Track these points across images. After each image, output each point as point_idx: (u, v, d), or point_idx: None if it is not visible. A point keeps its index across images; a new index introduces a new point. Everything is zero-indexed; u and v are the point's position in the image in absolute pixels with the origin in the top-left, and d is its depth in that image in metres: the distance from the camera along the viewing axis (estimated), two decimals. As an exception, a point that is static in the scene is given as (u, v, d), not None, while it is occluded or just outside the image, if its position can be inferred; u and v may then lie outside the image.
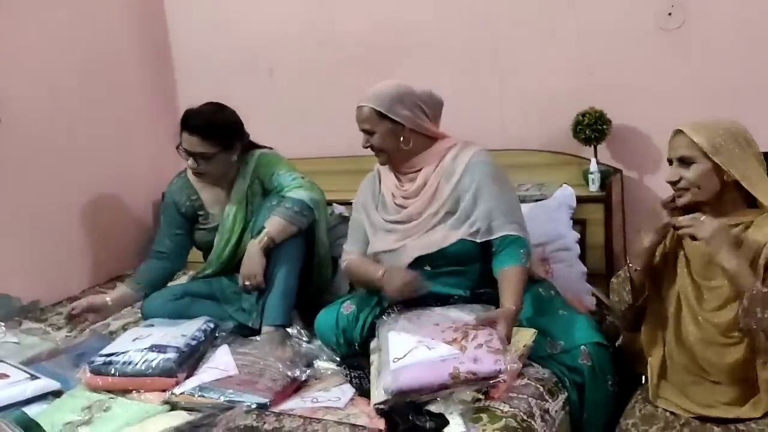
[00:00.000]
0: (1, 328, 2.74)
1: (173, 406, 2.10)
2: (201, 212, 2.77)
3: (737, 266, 1.83)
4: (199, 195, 2.76)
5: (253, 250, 2.49)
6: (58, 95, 3.29)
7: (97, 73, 3.47)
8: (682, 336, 2.04)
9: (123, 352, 2.27)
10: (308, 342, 2.38)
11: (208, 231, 2.77)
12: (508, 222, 2.27)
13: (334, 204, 3.19)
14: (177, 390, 2.11)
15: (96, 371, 2.24)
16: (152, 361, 2.21)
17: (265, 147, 2.82)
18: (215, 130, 2.58)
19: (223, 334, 2.43)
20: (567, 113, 2.90)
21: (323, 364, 2.25)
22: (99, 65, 3.48)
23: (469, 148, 2.38)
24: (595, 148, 2.86)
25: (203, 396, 2.08)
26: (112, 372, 2.21)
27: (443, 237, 2.30)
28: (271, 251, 2.52)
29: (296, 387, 2.16)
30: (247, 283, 2.49)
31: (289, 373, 2.16)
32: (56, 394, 2.24)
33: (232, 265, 2.71)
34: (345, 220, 3.10)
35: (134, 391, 2.19)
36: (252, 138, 2.79)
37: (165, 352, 2.23)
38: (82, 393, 2.21)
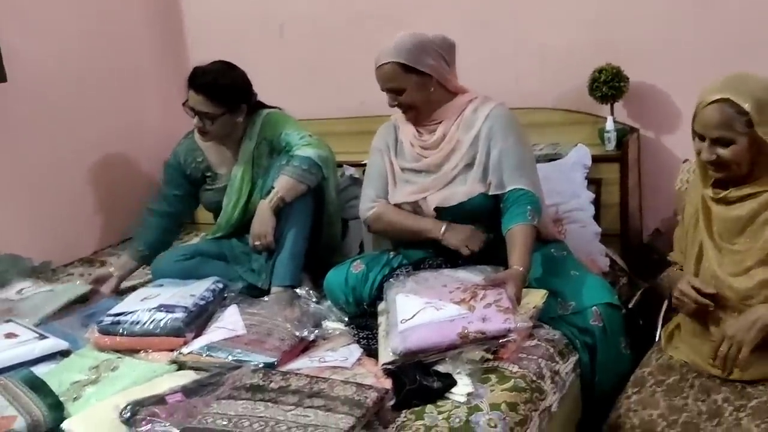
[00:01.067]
0: (27, 282, 2.77)
1: (181, 366, 2.09)
2: (208, 173, 2.74)
3: None
4: (205, 156, 2.73)
5: (264, 210, 2.46)
6: (66, 53, 3.26)
7: (106, 31, 3.44)
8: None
9: (131, 312, 2.26)
10: (317, 303, 2.36)
11: (215, 191, 2.74)
12: (518, 176, 2.22)
13: (345, 165, 3.15)
14: (185, 350, 2.11)
15: (104, 331, 2.24)
16: (160, 320, 2.20)
17: (273, 107, 2.77)
18: (222, 91, 2.54)
19: (232, 294, 2.41)
20: (583, 70, 2.82)
21: (331, 325, 2.23)
22: (107, 23, 3.45)
23: (490, 102, 2.33)
24: (612, 105, 2.78)
25: (211, 356, 2.07)
26: (120, 332, 2.21)
27: (464, 191, 2.26)
28: (280, 211, 2.49)
29: (304, 347, 2.15)
30: (257, 243, 2.47)
31: (297, 333, 2.14)
32: (64, 353, 2.24)
33: (241, 227, 2.68)
34: (356, 181, 3.07)
35: (142, 351, 2.18)
36: (261, 97, 2.75)
37: (173, 312, 2.22)
38: (90, 353, 2.20)
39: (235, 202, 2.68)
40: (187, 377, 2.01)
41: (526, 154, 2.30)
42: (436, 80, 2.28)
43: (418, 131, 2.38)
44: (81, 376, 2.05)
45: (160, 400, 1.81)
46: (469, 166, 2.28)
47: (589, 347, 2.14)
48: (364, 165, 3.06)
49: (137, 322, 2.22)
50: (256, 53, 3.48)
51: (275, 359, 2.02)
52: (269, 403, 1.70)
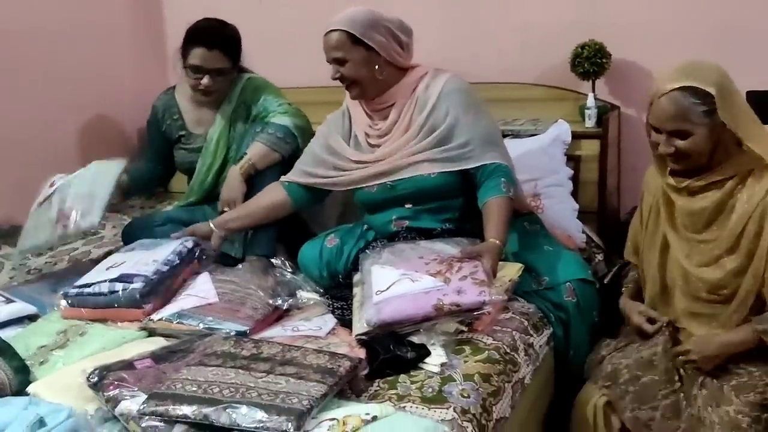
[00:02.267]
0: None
1: (151, 333, 2.06)
2: (183, 132, 2.70)
3: (742, 340, 1.85)
4: (181, 114, 2.69)
5: (234, 175, 2.43)
6: (39, 15, 3.15)
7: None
8: (667, 289, 2.00)
9: (94, 283, 2.19)
10: (292, 273, 2.33)
11: (188, 151, 2.70)
12: (485, 151, 2.18)
13: (323, 135, 3.11)
14: (155, 316, 2.07)
15: (70, 302, 2.18)
16: (118, 291, 2.14)
17: (246, 70, 2.72)
18: (234, 43, 2.54)
19: (204, 256, 2.35)
20: (565, 46, 2.80)
21: (306, 295, 2.21)
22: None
23: (441, 76, 2.27)
24: (593, 82, 2.77)
25: (182, 323, 2.03)
26: (83, 303, 2.16)
27: (416, 168, 2.22)
28: (253, 180, 2.46)
29: (278, 316, 2.12)
30: (226, 209, 2.43)
31: (271, 302, 2.11)
32: (32, 318, 2.20)
33: (215, 193, 2.64)
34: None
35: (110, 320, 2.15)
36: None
37: (131, 282, 2.14)
38: (58, 318, 2.16)
39: (209, 166, 2.65)
40: (157, 344, 1.96)
41: (490, 127, 2.26)
42: (384, 59, 2.22)
43: (370, 117, 2.34)
44: (48, 340, 2.01)
45: (128, 365, 1.76)
46: (423, 144, 2.22)
47: (563, 322, 2.14)
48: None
49: (99, 294, 2.16)
50: (234, 17, 3.39)
51: (247, 327, 1.99)
52: (240, 370, 1.67)
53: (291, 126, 2.49)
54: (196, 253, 2.34)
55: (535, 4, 2.94)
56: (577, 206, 2.67)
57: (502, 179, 2.14)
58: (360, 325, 1.91)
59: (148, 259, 2.23)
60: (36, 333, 2.07)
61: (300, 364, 1.69)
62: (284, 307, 2.13)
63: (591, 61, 2.71)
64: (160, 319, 2.06)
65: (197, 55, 2.49)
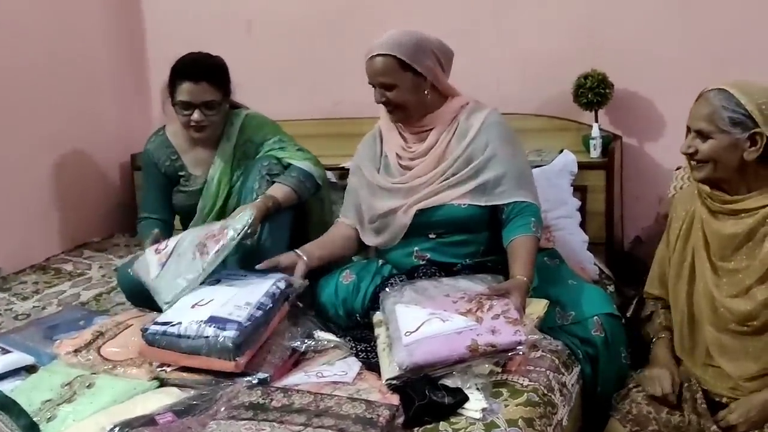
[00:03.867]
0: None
1: (162, 382, 1.94)
2: (182, 173, 2.59)
3: None
4: (179, 155, 2.58)
5: (254, 205, 2.30)
6: (18, 48, 3.03)
7: (61, 26, 3.22)
8: (695, 321, 1.97)
9: (179, 323, 1.94)
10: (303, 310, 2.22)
11: (189, 194, 2.58)
12: (519, 188, 2.16)
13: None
14: (168, 367, 1.94)
15: (150, 341, 1.97)
16: (210, 338, 1.88)
17: (242, 106, 2.64)
18: (222, 73, 2.46)
19: (297, 297, 2.14)
20: (565, 76, 2.80)
21: (324, 336, 2.10)
22: (63, 13, 3.23)
23: (484, 108, 2.26)
24: (596, 112, 2.75)
25: (196, 372, 1.92)
26: (166, 344, 1.94)
27: (446, 194, 2.17)
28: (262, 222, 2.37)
29: (295, 360, 2.02)
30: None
31: (288, 344, 2.01)
32: (30, 369, 2.05)
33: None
34: (333, 186, 2.96)
35: (117, 367, 2.01)
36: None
37: (224, 329, 1.87)
38: (60, 368, 2.01)
39: (210, 207, 2.54)
40: (172, 395, 1.86)
41: (525, 165, 2.24)
42: (431, 83, 2.19)
43: (404, 140, 2.28)
44: (53, 394, 1.88)
45: (149, 420, 1.66)
46: (458, 175, 2.19)
47: (590, 358, 2.08)
48: (341, 168, 2.98)
49: (186, 336, 1.91)
50: (222, 50, 3.27)
51: (268, 374, 1.89)
52: (275, 423, 1.58)
53: (316, 175, 2.46)
54: (288, 296, 2.10)
55: (535, 34, 2.93)
56: (587, 238, 2.63)
57: (532, 219, 2.11)
58: (390, 369, 1.82)
59: (240, 300, 1.99)
60: (38, 386, 1.93)
61: (337, 415, 1.61)
62: (302, 349, 2.02)
63: (594, 91, 2.70)
64: (172, 369, 1.94)
65: (185, 90, 2.40)
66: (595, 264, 2.60)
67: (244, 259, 2.36)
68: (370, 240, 2.30)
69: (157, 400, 1.82)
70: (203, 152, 2.55)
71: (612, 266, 2.72)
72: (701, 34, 2.73)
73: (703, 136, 1.81)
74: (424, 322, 1.86)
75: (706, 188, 1.89)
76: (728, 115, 1.77)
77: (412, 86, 2.16)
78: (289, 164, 2.46)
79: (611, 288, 2.59)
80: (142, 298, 2.45)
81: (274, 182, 2.41)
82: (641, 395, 1.94)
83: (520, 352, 1.82)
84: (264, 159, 2.47)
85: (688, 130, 1.87)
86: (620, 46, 2.82)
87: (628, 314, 2.24)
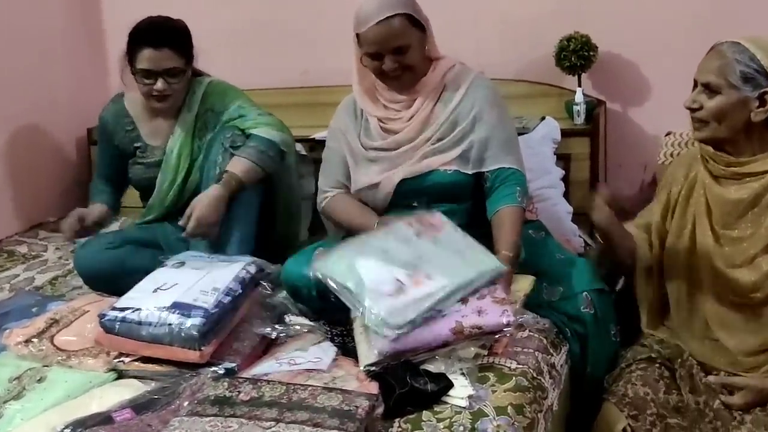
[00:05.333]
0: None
1: (121, 374, 1.79)
2: (138, 144, 2.42)
3: None
4: (136, 125, 2.41)
5: (216, 195, 2.17)
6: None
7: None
8: (695, 291, 1.86)
9: (139, 309, 1.79)
10: (272, 291, 2.07)
11: (146, 166, 2.42)
12: (504, 154, 2.03)
13: (289, 140, 2.88)
14: (127, 357, 1.79)
15: (107, 329, 1.80)
16: (173, 325, 1.73)
17: (205, 74, 2.46)
18: (184, 38, 2.30)
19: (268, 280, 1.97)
20: (546, 39, 2.66)
21: (296, 320, 1.96)
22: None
23: (470, 72, 2.12)
24: (580, 76, 2.62)
25: (157, 363, 1.76)
26: (125, 332, 1.78)
27: (431, 161, 2.04)
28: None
29: (266, 346, 1.88)
30: (197, 229, 2.16)
31: (257, 330, 1.87)
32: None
33: (176, 210, 2.37)
34: (302, 158, 2.82)
35: (72, 357, 1.85)
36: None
37: (189, 316, 1.73)
38: (8, 360, 1.84)
39: (171, 181, 2.38)
40: (132, 388, 1.71)
41: (511, 131, 2.11)
42: (428, 40, 2.06)
43: (386, 108, 2.13)
44: (0, 389, 1.72)
45: (105, 418, 1.52)
46: (444, 140, 2.06)
47: (579, 336, 1.97)
48: (311, 140, 2.82)
49: (147, 323, 1.75)
50: (184, 15, 3.13)
51: (235, 364, 1.75)
52: (243, 419, 1.44)
53: (279, 141, 2.28)
54: (259, 281, 1.95)
55: (512, -5, 2.78)
56: (571, 208, 2.52)
57: (517, 188, 2.00)
58: (369, 354, 1.68)
59: (206, 284, 1.83)
60: (-16, 382, 1.77)
61: (311, 408, 1.47)
62: (273, 336, 1.88)
63: (578, 54, 2.56)
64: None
65: (145, 57, 2.23)
66: (579, 236, 2.48)
67: (211, 245, 2.23)
68: None
69: (114, 394, 1.68)
70: (162, 122, 2.39)
71: (596, 237, 2.60)
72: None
73: (710, 90, 1.70)
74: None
75: (710, 149, 1.78)
76: (741, 69, 1.66)
77: (420, 43, 2.02)
78: (251, 134, 2.30)
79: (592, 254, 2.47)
80: (102, 281, 2.30)
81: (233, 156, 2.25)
82: (636, 375, 1.83)
83: (508, 334, 1.70)
84: (226, 130, 2.30)
85: (695, 84, 1.75)
86: (604, 7, 2.68)
87: (617, 287, 2.12)
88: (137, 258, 2.33)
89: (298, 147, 2.83)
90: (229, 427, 1.41)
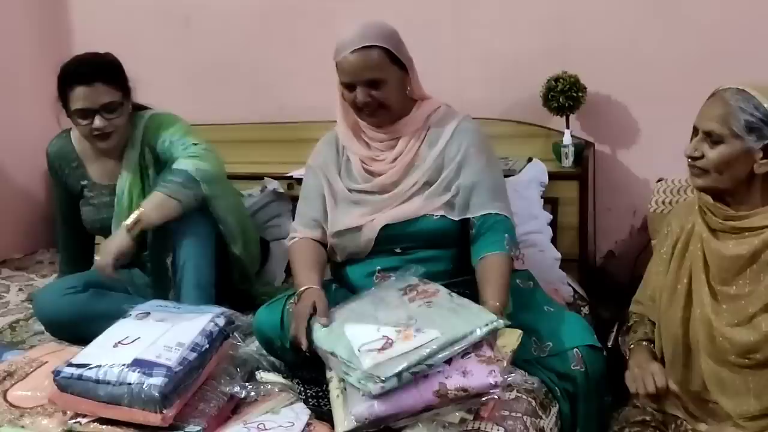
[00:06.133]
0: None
1: (76, 437, 1.65)
2: (85, 182, 2.32)
3: None
4: (82, 161, 2.31)
5: (119, 232, 2.08)
6: None
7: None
8: (691, 351, 1.76)
9: (97, 366, 1.65)
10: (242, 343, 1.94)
11: (96, 208, 2.32)
12: (492, 200, 1.93)
13: (266, 178, 2.77)
14: (83, 418, 1.65)
15: (62, 386, 1.66)
16: (133, 385, 1.59)
17: (146, 107, 2.35)
18: (115, 70, 2.19)
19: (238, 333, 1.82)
20: (532, 78, 2.58)
21: (267, 377, 1.83)
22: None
23: (456, 114, 2.03)
24: (568, 117, 2.54)
25: (116, 425, 1.62)
26: (81, 391, 1.63)
27: (418, 207, 1.93)
28: (174, 233, 2.13)
29: (234, 405, 1.74)
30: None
31: (226, 390, 1.73)
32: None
33: (139, 252, 2.24)
34: (279, 196, 2.71)
35: (25, 416, 1.71)
36: (163, 101, 2.37)
37: (151, 375, 1.59)
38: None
39: None
40: (88, 456, 1.58)
41: (499, 176, 2.02)
42: (410, 80, 1.96)
43: (368, 147, 2.03)
44: (-61, 457, 1.58)
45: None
46: (429, 184, 1.96)
47: (569, 395, 1.85)
48: (288, 178, 2.72)
49: (104, 382, 1.62)
50: (157, 50, 3.05)
51: (200, 428, 1.60)
52: (205, 499, 1.30)
53: (192, 170, 2.14)
54: (229, 334, 1.81)
55: (499, 33, 2.70)
56: (559, 255, 2.42)
57: (505, 235, 1.90)
58: (345, 420, 1.55)
59: (170, 339, 1.70)
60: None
61: (281, 484, 1.34)
62: (242, 395, 1.75)
63: (566, 95, 2.48)
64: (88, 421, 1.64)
65: (79, 96, 2.13)
66: (568, 284, 2.38)
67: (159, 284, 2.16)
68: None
69: (67, 463, 1.54)
70: (109, 161, 2.29)
71: (584, 284, 2.51)
72: (680, 34, 2.52)
73: (712, 139, 1.61)
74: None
75: (709, 199, 1.68)
76: (745, 118, 1.57)
77: (398, 82, 1.92)
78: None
79: (585, 310, 2.38)
80: (63, 329, 2.19)
81: None
82: None
83: (495, 396, 1.58)
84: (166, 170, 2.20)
85: (695, 131, 1.66)
86: (593, 46, 2.60)
87: (609, 344, 2.02)
88: (102, 303, 2.21)
89: (274, 184, 2.73)
90: (189, 508, 1.28)
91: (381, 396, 1.50)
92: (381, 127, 2.00)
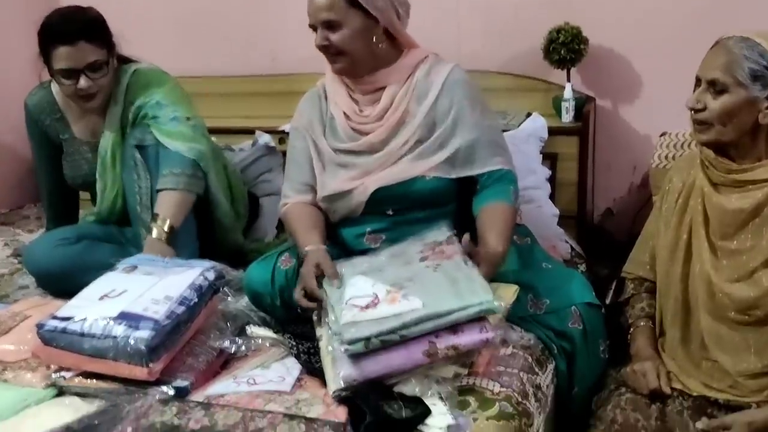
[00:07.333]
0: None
1: (61, 390, 1.61)
2: (65, 136, 2.23)
3: None
4: (63, 113, 2.23)
5: (155, 246, 1.99)
6: None
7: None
8: (690, 308, 1.71)
9: (82, 319, 1.61)
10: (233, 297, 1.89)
11: (74, 163, 2.25)
12: (493, 155, 1.87)
13: (257, 131, 2.70)
14: (68, 372, 1.61)
15: (46, 340, 1.63)
16: (119, 338, 1.55)
17: (133, 60, 2.25)
18: (99, 27, 2.09)
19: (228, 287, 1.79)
20: (532, 30, 2.49)
21: (258, 331, 1.78)
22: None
23: (444, 64, 1.94)
24: (569, 71, 2.46)
25: (101, 379, 1.59)
26: (67, 344, 1.60)
27: (410, 167, 1.86)
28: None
29: (224, 361, 1.70)
30: None
31: (215, 344, 1.69)
32: None
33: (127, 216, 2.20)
34: (271, 151, 2.65)
35: (8, 370, 1.67)
36: (150, 52, 2.28)
37: (137, 328, 1.55)
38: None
39: (111, 185, 2.19)
40: (72, 408, 1.55)
41: (496, 128, 1.96)
42: (384, 30, 1.86)
43: (354, 101, 1.95)
44: None
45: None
46: (422, 142, 1.89)
47: (566, 353, 1.81)
48: (280, 132, 2.65)
49: (90, 335, 1.58)
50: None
51: (188, 382, 1.57)
52: (192, 454, 1.27)
53: (193, 155, 2.10)
54: (219, 289, 1.77)
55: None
56: (557, 211, 2.37)
57: (510, 187, 1.85)
58: (336, 379, 1.51)
59: (158, 292, 1.66)
60: None
61: (270, 439, 1.30)
62: (232, 350, 1.71)
63: (568, 47, 2.39)
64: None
65: (62, 56, 2.03)
66: (566, 241, 2.33)
67: None
68: None
69: (51, 415, 1.52)
70: (92, 118, 2.21)
71: (582, 242, 2.46)
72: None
73: (715, 89, 1.55)
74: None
75: (711, 153, 1.63)
76: (750, 65, 1.51)
77: (361, 29, 1.83)
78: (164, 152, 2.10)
79: (582, 267, 2.32)
80: (55, 280, 2.14)
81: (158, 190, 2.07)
82: (625, 398, 1.68)
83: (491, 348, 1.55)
84: (137, 131, 2.13)
85: (698, 81, 1.59)
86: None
87: (607, 301, 1.97)
88: (95, 254, 2.15)
89: (267, 138, 2.66)
90: (175, 463, 1.24)
91: (367, 355, 1.46)
92: (348, 76, 1.92)
